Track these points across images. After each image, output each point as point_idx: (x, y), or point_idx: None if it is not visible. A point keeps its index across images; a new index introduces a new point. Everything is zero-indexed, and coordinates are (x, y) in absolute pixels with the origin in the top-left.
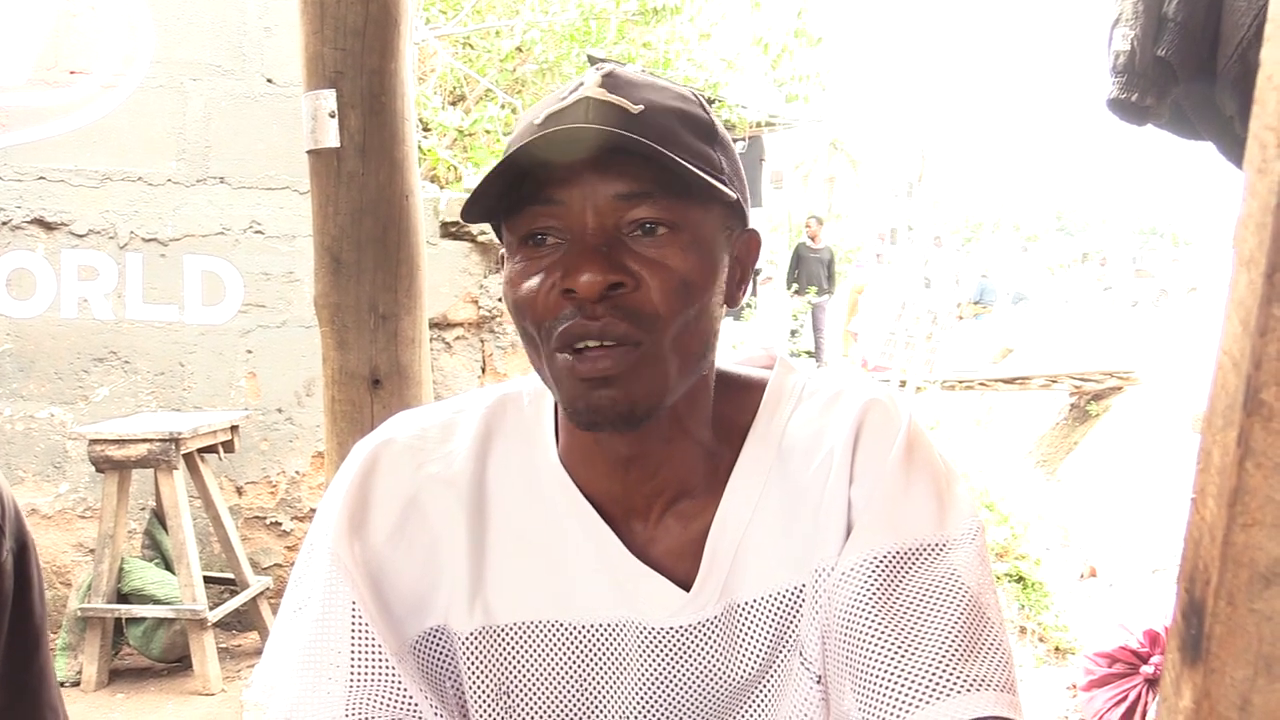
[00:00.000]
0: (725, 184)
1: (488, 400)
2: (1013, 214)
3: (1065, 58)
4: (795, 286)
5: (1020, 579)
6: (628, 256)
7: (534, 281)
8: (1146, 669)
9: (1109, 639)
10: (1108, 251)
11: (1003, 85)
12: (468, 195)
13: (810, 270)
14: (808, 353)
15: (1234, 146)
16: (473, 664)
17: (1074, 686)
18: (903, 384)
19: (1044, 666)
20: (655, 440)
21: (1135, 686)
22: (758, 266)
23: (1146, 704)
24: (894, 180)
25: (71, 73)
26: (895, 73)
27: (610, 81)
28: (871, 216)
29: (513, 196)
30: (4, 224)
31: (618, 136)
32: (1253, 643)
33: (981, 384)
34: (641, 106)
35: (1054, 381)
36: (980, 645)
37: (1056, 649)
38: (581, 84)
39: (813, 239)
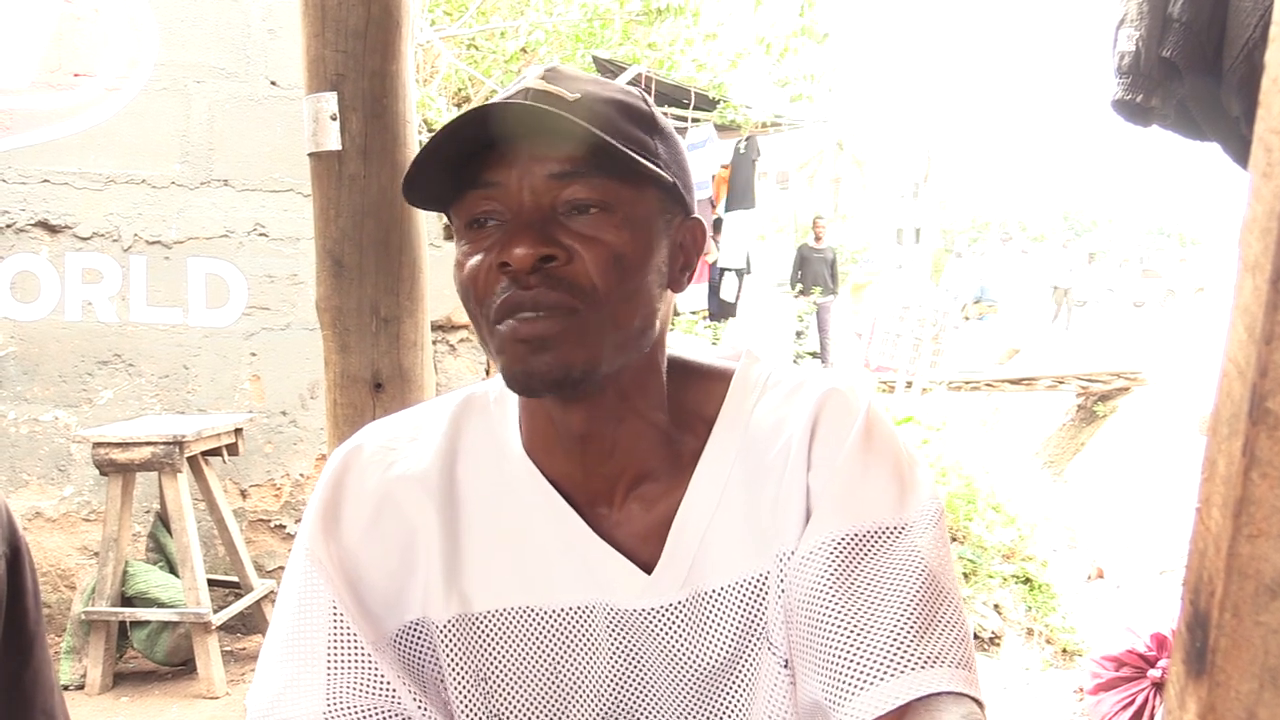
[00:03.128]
0: (661, 169)
1: (454, 401)
2: (1019, 214)
3: (1072, 58)
4: (799, 287)
5: (1027, 580)
6: (561, 233)
7: (476, 261)
8: (1154, 673)
9: (1116, 642)
10: (1115, 251)
11: (1009, 85)
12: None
13: (814, 270)
14: (812, 354)
15: (1240, 147)
16: (451, 652)
17: (1081, 690)
18: (908, 385)
19: (1051, 669)
20: (605, 419)
21: (1143, 690)
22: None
23: (1154, 708)
24: (900, 181)
25: (75, 75)
26: (901, 73)
27: (551, 74)
28: (877, 216)
29: (455, 182)
30: (8, 227)
31: (550, 115)
32: (1258, 656)
33: (988, 384)
34: (579, 95)
35: (1061, 382)
36: (936, 622)
37: (1064, 651)
38: (525, 78)
39: (817, 239)
